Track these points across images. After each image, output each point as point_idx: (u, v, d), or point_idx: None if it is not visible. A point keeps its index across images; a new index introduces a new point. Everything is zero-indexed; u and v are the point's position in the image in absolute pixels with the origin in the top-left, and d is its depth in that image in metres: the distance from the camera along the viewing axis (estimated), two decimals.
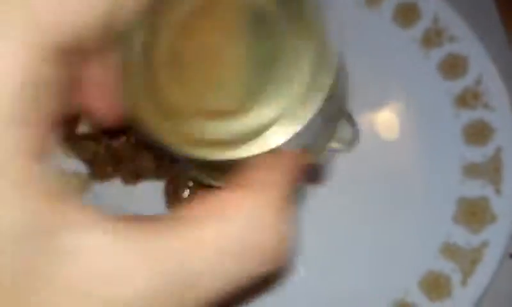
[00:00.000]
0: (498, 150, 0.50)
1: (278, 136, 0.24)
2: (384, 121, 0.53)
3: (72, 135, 0.51)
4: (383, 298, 0.48)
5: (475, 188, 0.50)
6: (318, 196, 0.51)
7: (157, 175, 0.50)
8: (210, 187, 0.31)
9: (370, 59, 0.54)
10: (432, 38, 0.53)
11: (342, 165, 0.52)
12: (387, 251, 0.50)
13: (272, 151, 0.24)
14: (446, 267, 0.48)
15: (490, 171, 0.50)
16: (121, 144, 0.49)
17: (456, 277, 0.47)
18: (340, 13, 0.54)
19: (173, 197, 0.49)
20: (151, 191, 0.50)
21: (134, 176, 0.50)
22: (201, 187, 0.48)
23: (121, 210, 0.50)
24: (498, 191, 0.49)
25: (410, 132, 0.53)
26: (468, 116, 0.52)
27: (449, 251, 0.48)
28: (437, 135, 0.52)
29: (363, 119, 0.53)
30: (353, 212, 0.51)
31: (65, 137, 0.51)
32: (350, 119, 0.41)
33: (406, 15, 0.54)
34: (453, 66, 0.53)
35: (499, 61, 0.52)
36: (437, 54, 0.53)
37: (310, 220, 0.50)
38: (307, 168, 0.27)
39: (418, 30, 0.54)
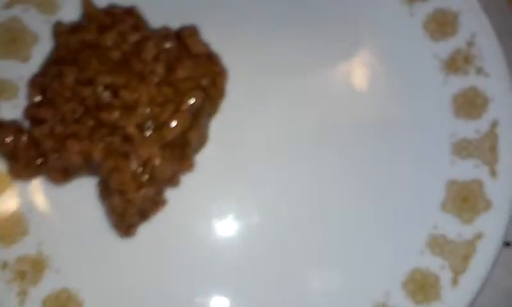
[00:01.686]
0: (494, 124, 0.43)
1: None
2: (363, 93, 0.46)
3: None
4: (362, 301, 0.42)
5: (467, 170, 0.43)
6: (291, 189, 0.44)
7: (88, 171, 0.42)
8: None
9: (344, 11, 0.47)
10: None
11: (320, 153, 0.45)
12: (366, 245, 0.43)
13: None
14: (434, 263, 0.42)
15: (484, 149, 0.43)
16: (44, 133, 0.41)
17: (446, 276, 0.41)
18: None
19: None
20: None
21: (61, 173, 0.42)
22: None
23: None
24: (493, 173, 0.42)
25: (392, 103, 0.45)
26: (458, 83, 0.45)
27: (437, 244, 0.42)
28: (423, 106, 0.45)
29: (339, 93, 0.46)
30: (328, 197, 0.44)
31: None
32: None
33: None
34: (441, 24, 0.45)
35: (495, 18, 0.45)
36: (422, 9, 0.46)
37: (285, 212, 0.44)
38: None
39: None
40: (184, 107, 0.41)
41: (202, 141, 0.43)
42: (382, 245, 0.43)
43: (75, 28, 0.44)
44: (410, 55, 0.46)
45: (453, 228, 0.42)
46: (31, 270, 0.41)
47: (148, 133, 0.41)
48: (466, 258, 0.41)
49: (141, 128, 0.40)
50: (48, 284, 0.41)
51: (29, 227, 0.42)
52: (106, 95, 0.41)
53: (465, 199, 0.42)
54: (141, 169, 0.40)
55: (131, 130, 0.40)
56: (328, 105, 0.46)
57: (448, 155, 0.44)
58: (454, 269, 0.41)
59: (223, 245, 0.43)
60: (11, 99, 0.44)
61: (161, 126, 0.41)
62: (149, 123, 0.41)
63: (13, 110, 0.44)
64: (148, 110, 0.41)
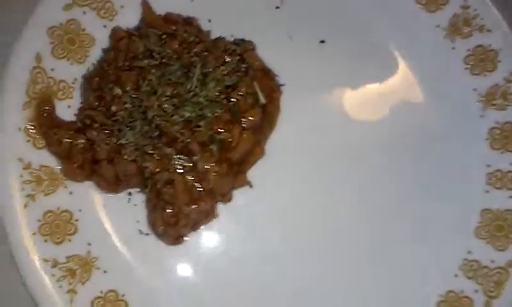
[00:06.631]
0: None
1: None
2: (402, 119, 0.47)
3: (45, 120, 0.42)
4: None
5: (501, 200, 0.45)
6: (337, 213, 0.45)
7: (139, 181, 0.42)
8: None
9: (390, 39, 0.49)
10: (460, 26, 0.48)
11: (367, 177, 0.46)
12: (401, 269, 0.44)
13: None
14: (467, 287, 0.43)
15: None
16: (101, 138, 0.41)
17: (479, 300, 0.43)
18: None
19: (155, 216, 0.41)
20: None
21: (111, 181, 0.42)
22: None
23: None
24: None
25: (431, 131, 0.47)
26: (495, 117, 0.46)
27: (471, 269, 0.43)
28: (460, 136, 0.47)
29: (380, 117, 0.48)
30: (369, 223, 0.45)
31: (38, 121, 0.42)
32: None
33: None
34: (481, 60, 0.47)
35: None
36: (464, 45, 0.48)
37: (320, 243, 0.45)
38: None
39: (444, 15, 0.48)
40: (247, 126, 0.42)
41: (260, 156, 0.44)
42: (417, 268, 0.44)
43: (134, 34, 0.44)
44: (450, 86, 0.48)
45: (486, 254, 0.44)
46: (79, 269, 0.41)
47: (208, 148, 0.41)
48: (499, 284, 0.43)
49: (202, 144, 0.40)
50: (95, 285, 0.41)
51: (78, 226, 0.42)
52: (168, 107, 0.41)
53: (499, 228, 0.44)
54: (196, 183, 0.40)
55: (194, 146, 0.40)
56: (367, 133, 0.47)
57: (483, 185, 0.45)
58: (487, 294, 0.43)
59: (264, 260, 0.44)
60: (66, 99, 0.44)
61: (226, 146, 0.41)
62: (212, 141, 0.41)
63: (67, 110, 0.44)
64: (212, 129, 0.41)
